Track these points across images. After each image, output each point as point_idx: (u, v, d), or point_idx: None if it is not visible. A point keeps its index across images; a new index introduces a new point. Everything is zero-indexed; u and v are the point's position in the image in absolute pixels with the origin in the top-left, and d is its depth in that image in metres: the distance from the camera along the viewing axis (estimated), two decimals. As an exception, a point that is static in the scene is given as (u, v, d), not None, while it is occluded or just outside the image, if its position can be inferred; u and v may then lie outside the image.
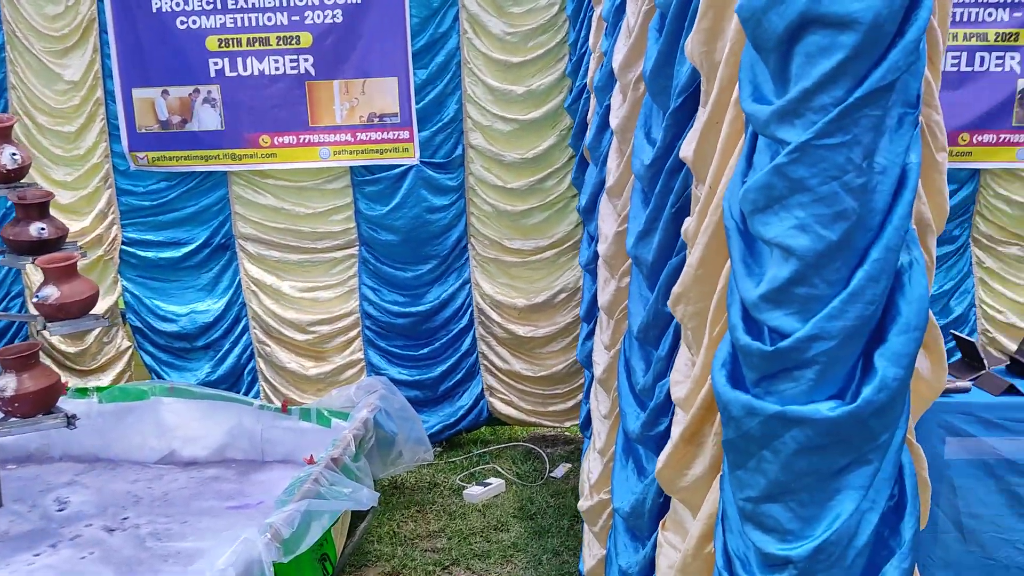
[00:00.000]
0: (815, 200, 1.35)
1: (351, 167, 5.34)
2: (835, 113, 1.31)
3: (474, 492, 4.77)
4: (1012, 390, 3.12)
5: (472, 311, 5.52)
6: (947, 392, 3.12)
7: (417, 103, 5.22)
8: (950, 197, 5.62)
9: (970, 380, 3.23)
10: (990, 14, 5.12)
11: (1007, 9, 5.11)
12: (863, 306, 1.36)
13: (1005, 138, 5.24)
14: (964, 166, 5.25)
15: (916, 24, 1.33)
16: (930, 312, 1.55)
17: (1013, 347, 4.81)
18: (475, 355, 5.57)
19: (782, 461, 1.41)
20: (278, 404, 4.71)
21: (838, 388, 1.41)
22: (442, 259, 5.44)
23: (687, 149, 2.04)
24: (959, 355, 3.64)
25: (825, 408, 1.38)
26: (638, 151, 2.68)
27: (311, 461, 3.87)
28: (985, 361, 3.29)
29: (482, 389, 5.59)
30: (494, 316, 5.48)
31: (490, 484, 4.85)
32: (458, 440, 5.64)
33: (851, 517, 1.41)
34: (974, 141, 5.22)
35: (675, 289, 2.00)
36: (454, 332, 5.49)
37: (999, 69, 5.18)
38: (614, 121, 3.14)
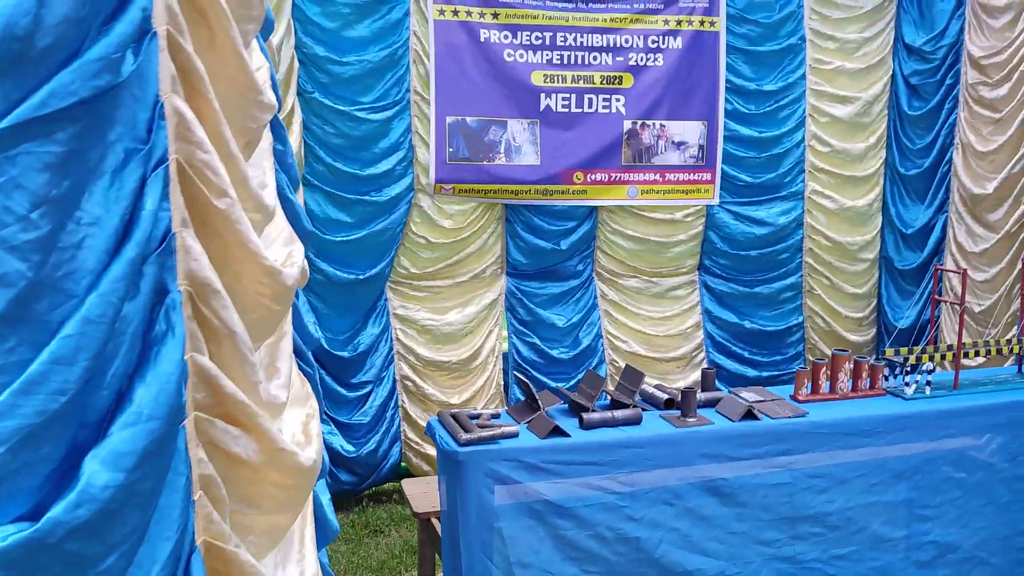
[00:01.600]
0: (-36, 260, 1.03)
1: None
2: (-30, 148, 1.01)
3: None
4: (558, 431, 3.09)
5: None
6: (495, 439, 3.02)
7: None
8: (571, 234, 5.63)
9: (524, 423, 3.16)
10: (595, 58, 5.36)
11: (610, 54, 5.38)
12: (48, 398, 1.05)
13: (616, 176, 5.49)
14: (581, 204, 5.43)
15: (103, 42, 1.06)
16: (230, 389, 1.29)
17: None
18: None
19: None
20: None
21: (32, 505, 1.09)
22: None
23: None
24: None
25: (-3, 536, 1.05)
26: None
27: None
28: (540, 403, 3.24)
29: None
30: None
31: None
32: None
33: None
34: (588, 180, 5.42)
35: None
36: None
37: (607, 111, 5.42)
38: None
